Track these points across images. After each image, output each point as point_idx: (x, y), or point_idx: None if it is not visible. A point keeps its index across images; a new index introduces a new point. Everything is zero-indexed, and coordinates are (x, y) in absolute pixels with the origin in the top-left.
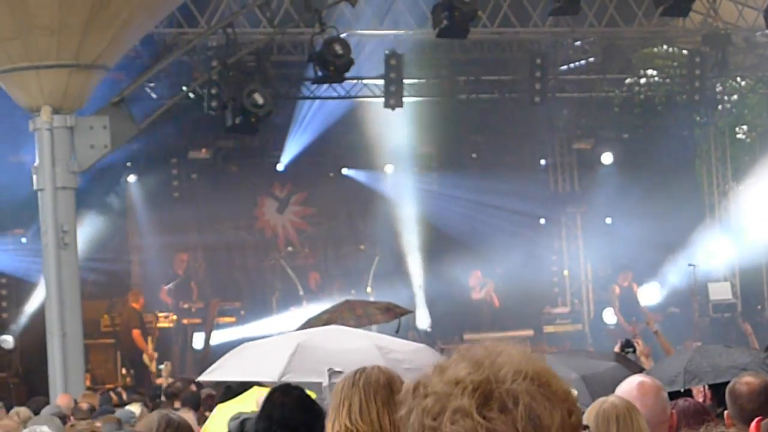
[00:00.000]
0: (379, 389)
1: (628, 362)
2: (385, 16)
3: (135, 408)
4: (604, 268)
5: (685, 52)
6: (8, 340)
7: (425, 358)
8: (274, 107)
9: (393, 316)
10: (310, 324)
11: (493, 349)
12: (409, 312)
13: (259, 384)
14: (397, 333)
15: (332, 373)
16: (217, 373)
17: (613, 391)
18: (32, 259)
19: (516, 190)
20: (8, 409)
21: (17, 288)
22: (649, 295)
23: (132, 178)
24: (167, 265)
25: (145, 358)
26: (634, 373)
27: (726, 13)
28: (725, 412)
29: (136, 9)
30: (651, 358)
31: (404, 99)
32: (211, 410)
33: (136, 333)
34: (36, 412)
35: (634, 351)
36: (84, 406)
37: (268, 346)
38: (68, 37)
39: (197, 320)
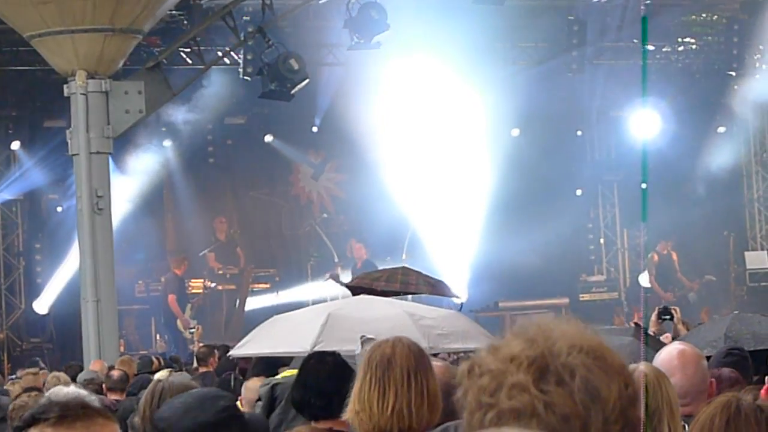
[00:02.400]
0: (375, 366)
1: (643, 337)
2: None
3: (163, 375)
4: (640, 236)
5: (723, 20)
6: (42, 305)
7: (456, 323)
8: (310, 73)
9: (435, 292)
10: (367, 278)
11: (546, 325)
12: (455, 296)
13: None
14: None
15: (365, 340)
16: (248, 347)
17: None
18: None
19: (552, 157)
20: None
21: (51, 247)
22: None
23: (167, 143)
24: (202, 230)
25: (179, 324)
26: (650, 347)
27: None
28: (767, 377)
29: None
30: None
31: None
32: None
33: (171, 298)
34: (72, 378)
35: (672, 318)
36: (116, 374)
37: (299, 318)
38: (103, 1)
39: (232, 286)
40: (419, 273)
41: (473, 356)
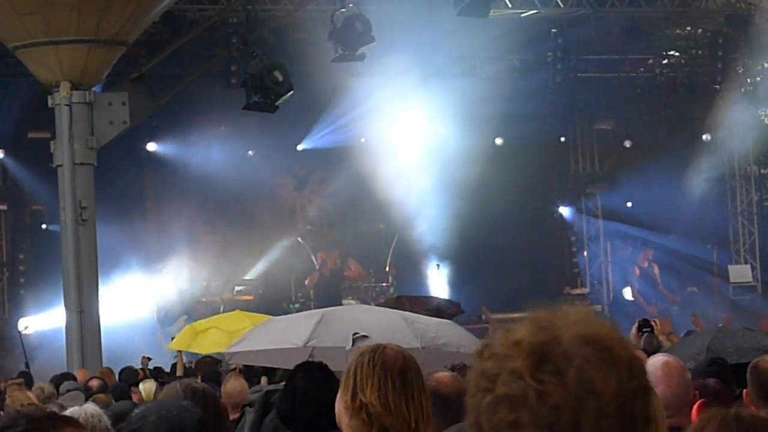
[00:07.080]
0: (396, 374)
1: None
2: None
3: (148, 385)
4: (624, 248)
5: (708, 33)
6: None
7: (449, 331)
8: (295, 85)
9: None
10: None
11: (558, 312)
12: (461, 312)
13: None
14: None
15: (357, 337)
16: (243, 344)
17: None
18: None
19: (536, 168)
20: (30, 386)
21: (35, 257)
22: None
23: (152, 147)
24: (186, 241)
25: (160, 337)
26: None
27: None
28: (744, 391)
29: None
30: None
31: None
32: None
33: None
34: (57, 388)
35: (652, 331)
36: (94, 384)
37: (294, 318)
38: (88, 13)
39: (216, 298)
40: (410, 301)
41: (488, 338)
